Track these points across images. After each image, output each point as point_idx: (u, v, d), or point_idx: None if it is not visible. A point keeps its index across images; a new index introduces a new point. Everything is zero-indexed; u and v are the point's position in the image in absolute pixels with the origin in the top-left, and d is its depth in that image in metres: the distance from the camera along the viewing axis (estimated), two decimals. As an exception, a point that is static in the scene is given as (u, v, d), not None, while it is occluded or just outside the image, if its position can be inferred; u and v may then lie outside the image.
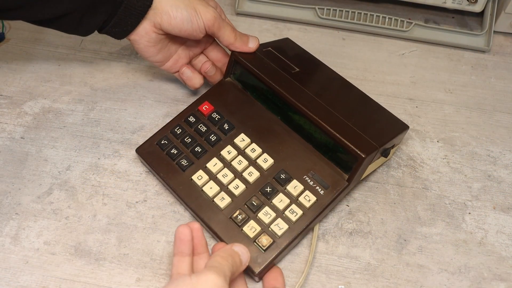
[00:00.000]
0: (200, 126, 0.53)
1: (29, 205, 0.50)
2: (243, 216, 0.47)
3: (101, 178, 0.53)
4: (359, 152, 0.46)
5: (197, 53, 0.59)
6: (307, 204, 0.48)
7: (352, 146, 0.47)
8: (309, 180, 0.49)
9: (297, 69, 0.55)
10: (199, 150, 0.52)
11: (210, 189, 0.49)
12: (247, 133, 0.52)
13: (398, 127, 0.52)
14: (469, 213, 0.52)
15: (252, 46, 0.55)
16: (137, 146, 0.53)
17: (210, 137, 0.52)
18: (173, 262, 0.42)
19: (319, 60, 0.59)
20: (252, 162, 0.51)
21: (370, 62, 0.67)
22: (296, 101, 0.50)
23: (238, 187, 0.49)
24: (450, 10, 0.74)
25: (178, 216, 0.51)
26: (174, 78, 0.63)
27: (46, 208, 0.50)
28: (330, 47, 0.69)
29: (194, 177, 0.50)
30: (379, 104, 0.55)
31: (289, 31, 0.71)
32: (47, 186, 0.52)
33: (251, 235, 0.46)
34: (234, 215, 0.48)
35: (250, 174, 0.50)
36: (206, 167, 0.51)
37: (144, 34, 0.53)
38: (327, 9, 0.71)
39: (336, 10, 0.70)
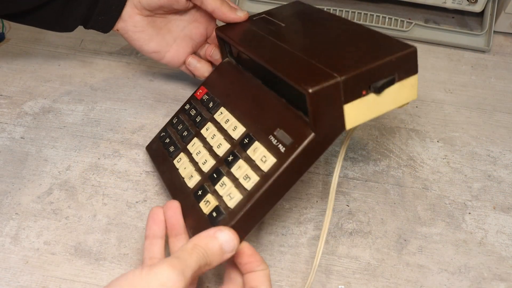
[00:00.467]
0: (191, 111, 0.51)
1: (29, 205, 0.50)
2: (202, 190, 0.43)
3: (101, 178, 0.53)
4: (303, 86, 0.37)
5: (201, 41, 0.57)
6: (264, 167, 0.40)
7: (295, 80, 0.38)
8: (273, 139, 0.41)
9: (283, 25, 0.49)
10: (186, 134, 0.50)
11: (184, 169, 0.47)
12: (227, 105, 0.48)
13: (390, 50, 0.40)
14: (469, 213, 0.52)
15: (240, 15, 0.51)
16: (137, 146, 0.53)
17: (196, 119, 0.50)
18: (144, 245, 0.39)
19: (326, 12, 0.51)
20: (225, 133, 0.46)
21: (370, 62, 0.67)
22: (253, 53, 0.44)
23: (206, 162, 0.45)
24: (450, 10, 0.74)
25: (178, 216, 0.51)
26: (174, 78, 0.63)
27: (46, 208, 0.50)
28: (330, 47, 0.69)
29: (175, 161, 0.48)
30: (379, 32, 0.44)
31: (289, 31, 0.71)
32: (47, 186, 0.52)
33: (205, 210, 0.42)
34: (195, 191, 0.44)
35: (219, 146, 0.45)
36: (186, 149, 0.48)
37: (128, 18, 0.52)
38: (327, 9, 0.71)
39: (336, 10, 0.70)
